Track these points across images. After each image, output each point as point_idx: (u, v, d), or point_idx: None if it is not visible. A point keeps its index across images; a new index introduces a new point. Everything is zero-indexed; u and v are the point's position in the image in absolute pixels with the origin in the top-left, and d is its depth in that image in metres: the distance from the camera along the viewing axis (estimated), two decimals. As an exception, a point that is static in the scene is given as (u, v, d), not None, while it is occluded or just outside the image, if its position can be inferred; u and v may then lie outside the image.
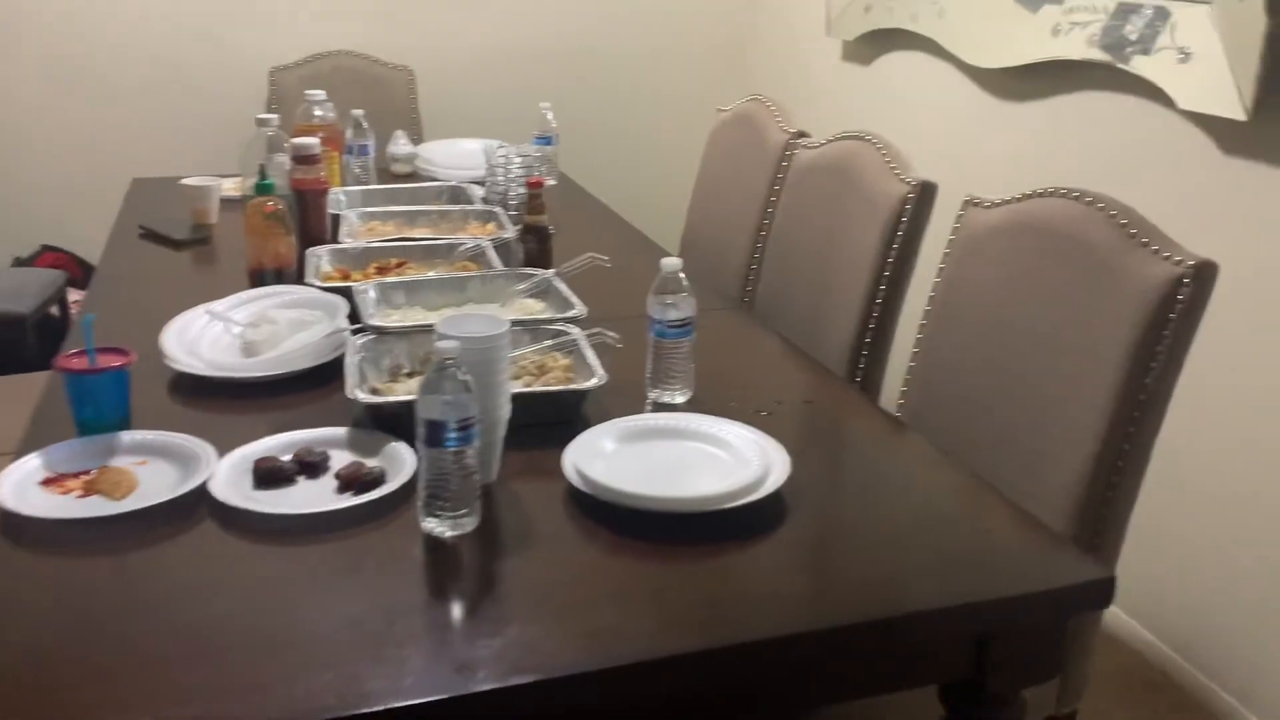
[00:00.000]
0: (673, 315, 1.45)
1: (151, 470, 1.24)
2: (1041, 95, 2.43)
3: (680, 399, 1.49)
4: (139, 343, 1.50)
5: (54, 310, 2.82)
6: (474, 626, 1.02)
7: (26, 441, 1.30)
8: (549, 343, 1.54)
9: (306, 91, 2.47)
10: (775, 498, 1.21)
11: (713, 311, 1.93)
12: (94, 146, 3.15)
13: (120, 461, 1.25)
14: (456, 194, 2.48)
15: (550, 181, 2.75)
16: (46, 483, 1.21)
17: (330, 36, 3.32)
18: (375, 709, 0.89)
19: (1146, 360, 1.38)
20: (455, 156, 2.78)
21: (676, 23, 3.68)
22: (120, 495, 1.19)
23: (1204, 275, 1.37)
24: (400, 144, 2.83)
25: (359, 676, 0.92)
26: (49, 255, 3.05)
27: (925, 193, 1.84)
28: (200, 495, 1.19)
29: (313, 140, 2.02)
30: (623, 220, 2.55)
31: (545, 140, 2.80)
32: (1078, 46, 2.23)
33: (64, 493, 1.19)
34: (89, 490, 1.20)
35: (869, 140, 1.98)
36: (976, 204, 1.69)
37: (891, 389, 1.85)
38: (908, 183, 1.85)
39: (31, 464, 1.23)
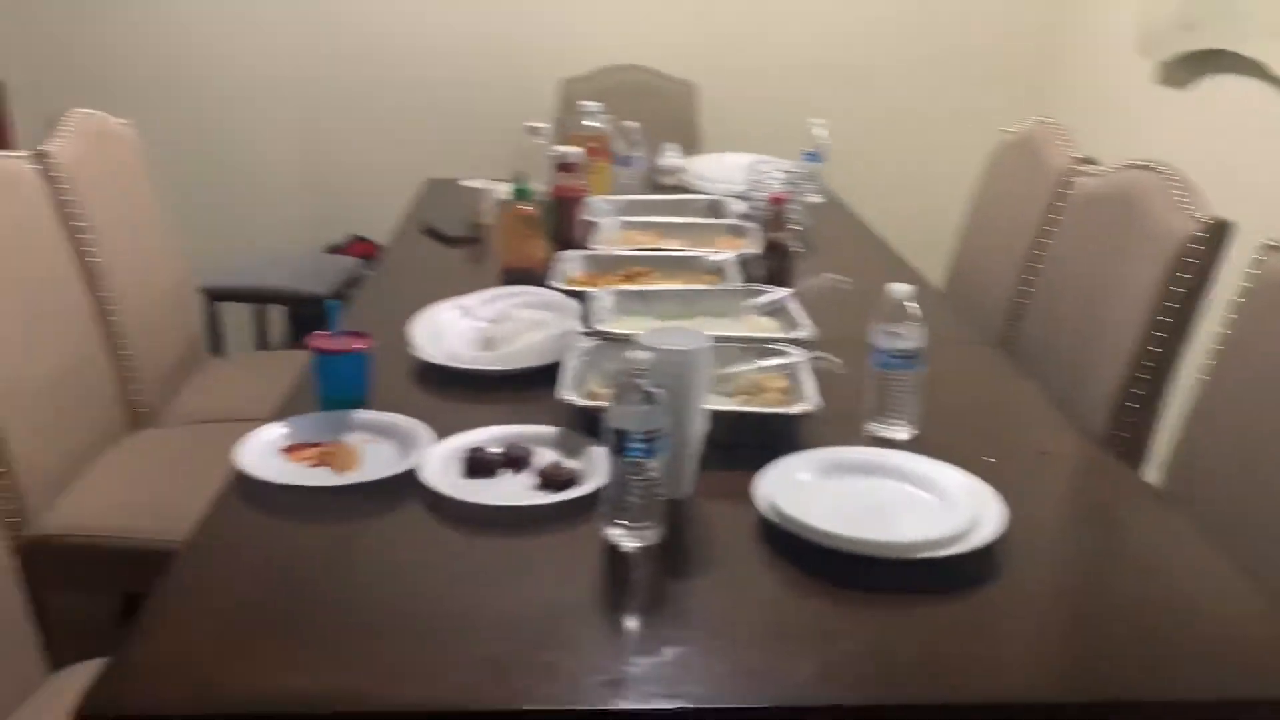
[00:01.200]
0: (897, 345, 1.37)
1: (376, 448, 1.33)
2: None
3: (901, 435, 1.40)
4: (395, 329, 1.62)
5: (352, 293, 3.11)
6: (633, 642, 1.01)
7: (281, 410, 1.43)
8: (769, 362, 1.51)
9: (580, 102, 2.57)
10: (983, 554, 1.11)
11: (964, 346, 1.82)
12: (398, 147, 3.44)
13: (351, 437, 1.35)
14: (717, 208, 2.49)
15: (816, 199, 2.70)
16: (287, 449, 1.33)
17: (620, 51, 3.44)
18: (516, 707, 0.90)
19: None
20: (722, 170, 2.79)
21: (968, 39, 3.51)
22: (344, 469, 1.28)
23: None
24: (669, 156, 2.88)
25: (511, 674, 0.94)
26: (358, 245, 3.37)
27: (1219, 232, 1.63)
28: (412, 477, 1.26)
29: (575, 150, 2.09)
30: (884, 244, 2.46)
31: (813, 157, 2.75)
32: None
33: (299, 460, 1.30)
34: (320, 461, 1.30)
35: (1156, 170, 1.79)
36: (1277, 248, 1.47)
37: (1161, 452, 1.65)
38: (1198, 219, 1.65)
39: (277, 431, 1.36)
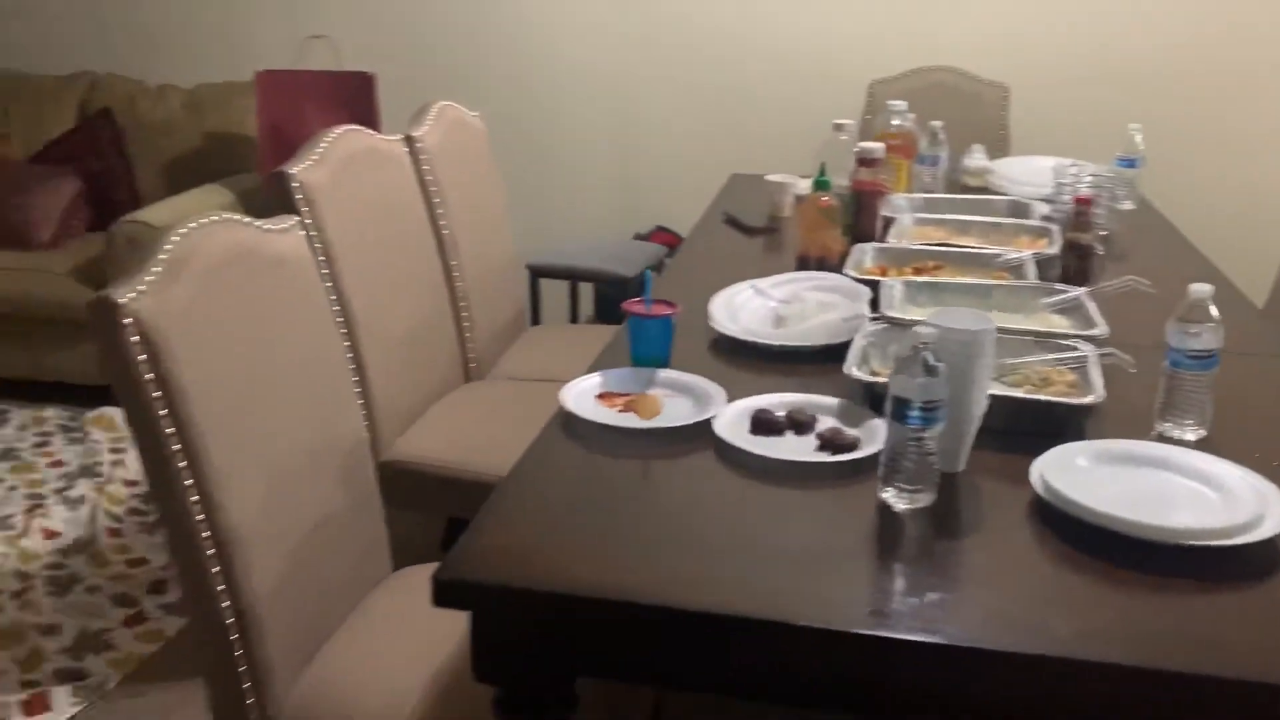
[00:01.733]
0: (1193, 345, 1.36)
1: (674, 403, 1.50)
2: None
3: (1190, 436, 1.39)
4: (695, 306, 1.79)
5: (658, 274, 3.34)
6: (899, 585, 1.10)
7: (595, 365, 1.64)
8: (1057, 356, 1.53)
9: (888, 101, 2.64)
10: (1267, 546, 1.11)
11: (1274, 358, 1.74)
12: (706, 144, 3.63)
13: (654, 391, 1.53)
14: (1018, 209, 2.48)
15: (1128, 205, 2.62)
16: (600, 396, 1.52)
17: (931, 52, 3.45)
18: (790, 622, 1.02)
19: None
20: (1028, 173, 2.76)
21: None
22: (647, 416, 1.45)
23: None
24: (975, 157, 2.87)
25: (786, 596, 1.06)
26: (661, 234, 3.61)
27: None
28: (706, 429, 1.41)
29: (876, 145, 2.18)
30: (1197, 253, 2.35)
31: (1128, 163, 2.66)
32: None
33: (610, 406, 1.49)
34: (627, 408, 1.48)
35: None
36: None
37: None
38: None
39: (593, 380, 1.55)
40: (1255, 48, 3.29)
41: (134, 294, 1.24)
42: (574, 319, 3.46)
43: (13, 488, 2.88)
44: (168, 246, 1.32)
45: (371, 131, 2.23)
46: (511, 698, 1.14)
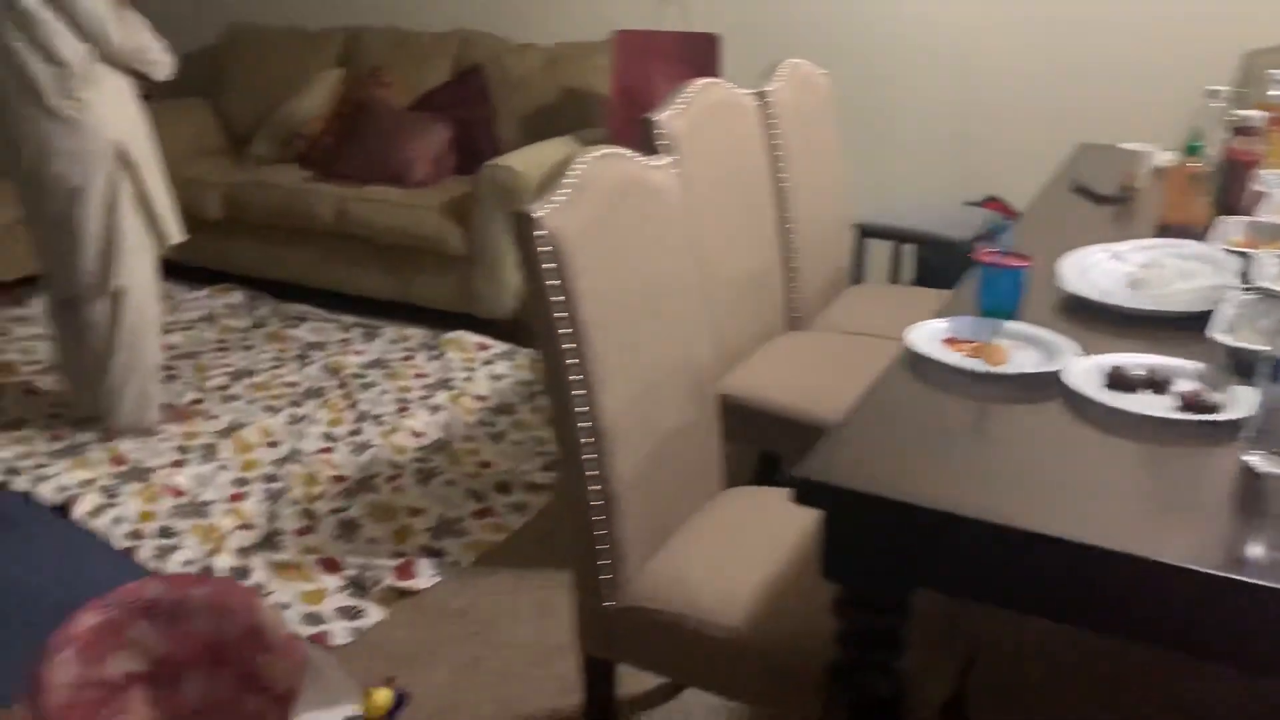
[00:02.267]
0: None
1: (1022, 353, 1.52)
2: None
3: None
4: (1042, 265, 1.78)
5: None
6: (1259, 538, 1.09)
7: (940, 312, 1.68)
8: None
9: (1269, 71, 2.45)
10: None
11: None
12: (1048, 113, 3.50)
13: (1001, 341, 1.55)
14: None
15: None
16: (946, 341, 1.57)
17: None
18: (1153, 558, 1.05)
19: None
20: None
21: None
22: (995, 363, 1.49)
23: None
24: (1367, 135, 2.60)
25: (1147, 535, 1.09)
26: (992, 203, 3.53)
27: None
28: (1055, 380, 1.42)
29: (1256, 114, 2.04)
30: None
31: None
32: None
33: (956, 350, 1.54)
34: (974, 354, 1.52)
35: None
36: None
37: None
38: None
39: (940, 325, 1.60)
40: None
41: (547, 210, 1.43)
42: (894, 280, 3.48)
43: (385, 391, 3.32)
44: (574, 172, 1.50)
45: (730, 85, 2.37)
46: (853, 598, 1.24)
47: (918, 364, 1.51)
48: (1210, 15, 3.29)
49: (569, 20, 4.13)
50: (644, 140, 2.08)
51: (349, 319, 3.91)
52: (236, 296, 4.11)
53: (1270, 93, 2.44)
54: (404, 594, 2.36)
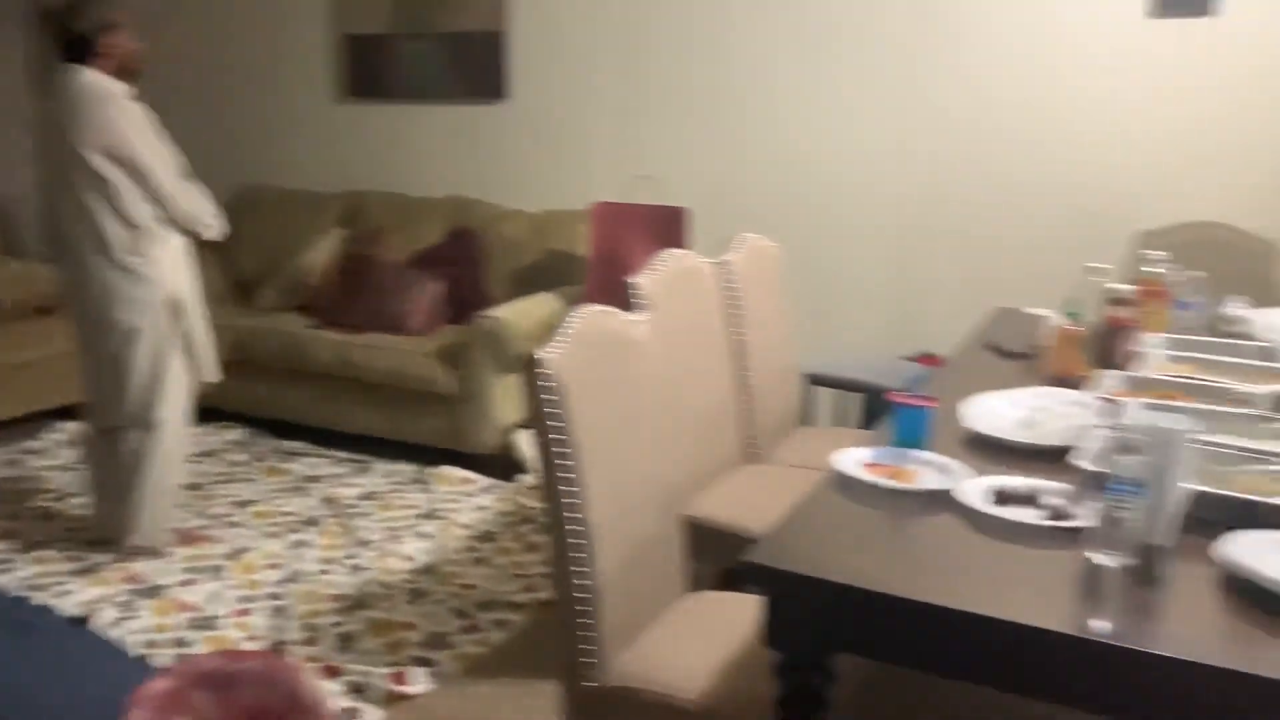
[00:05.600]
0: (1383, 463, 1.60)
1: (927, 475, 1.89)
2: None
3: (1383, 544, 1.61)
4: (952, 409, 2.17)
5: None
6: (1100, 610, 1.44)
7: (863, 442, 2.05)
8: (1268, 468, 1.79)
9: (1147, 251, 2.92)
10: None
11: None
12: (973, 277, 3.99)
13: (911, 466, 1.92)
14: (1268, 354, 2.67)
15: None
16: (867, 465, 1.93)
17: (1196, 209, 3.67)
18: (1021, 621, 1.39)
19: None
20: (1285, 323, 2.93)
21: None
22: (905, 482, 1.85)
23: None
24: (1232, 307, 3.07)
25: (1016, 605, 1.43)
26: (925, 359, 3.97)
27: None
28: (951, 497, 1.79)
29: (1127, 287, 2.49)
30: None
31: (1391, 319, 2.78)
32: None
33: (874, 473, 1.90)
34: (888, 475, 1.89)
35: None
36: None
37: None
38: None
39: (862, 452, 1.97)
40: None
41: (550, 353, 1.81)
42: (842, 423, 3.87)
43: (377, 520, 3.62)
44: (570, 323, 1.89)
45: (693, 254, 2.81)
46: (788, 663, 1.56)
47: (843, 483, 1.88)
48: (1108, 197, 3.83)
49: (555, 191, 4.63)
50: (624, 299, 2.49)
51: (342, 454, 4.22)
52: (237, 433, 4.42)
53: (1144, 269, 2.91)
54: (399, 698, 2.61)
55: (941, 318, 4.00)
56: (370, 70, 5.00)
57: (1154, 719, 1.38)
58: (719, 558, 2.64)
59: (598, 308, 1.99)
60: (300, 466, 4.11)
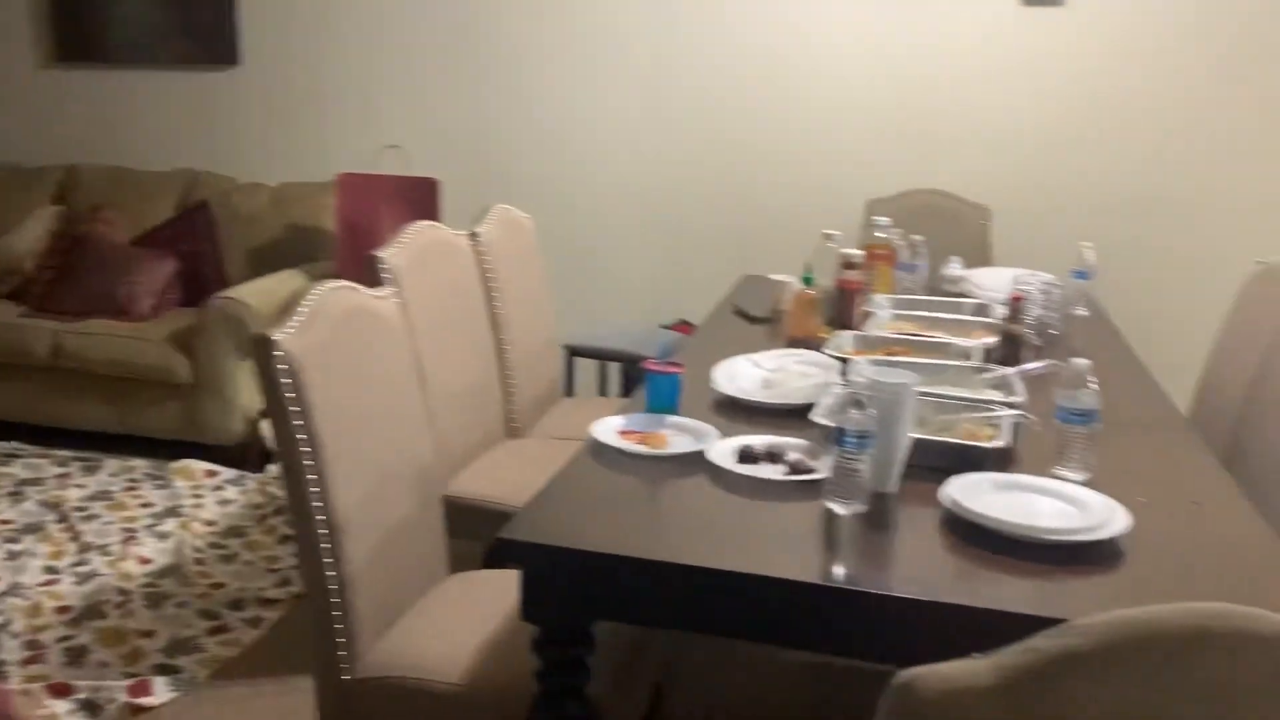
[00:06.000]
0: (1074, 405, 1.78)
1: (679, 439, 1.93)
2: None
3: (1076, 477, 1.79)
4: (703, 375, 2.23)
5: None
6: (834, 557, 1.51)
7: (619, 411, 2.07)
8: (984, 415, 1.95)
9: (875, 217, 3.11)
10: (1105, 545, 1.51)
11: (1168, 431, 2.15)
12: (724, 248, 4.13)
13: (664, 431, 1.96)
14: (982, 310, 2.92)
15: (1081, 312, 3.05)
16: (622, 433, 1.95)
17: (921, 177, 3.96)
18: (766, 574, 1.44)
19: None
20: (997, 281, 3.20)
21: (1262, 175, 3.70)
22: (657, 447, 1.88)
23: None
24: (952, 267, 3.33)
25: (759, 559, 1.48)
26: (682, 326, 4.07)
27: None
28: (701, 458, 1.83)
29: (856, 252, 2.64)
30: (1132, 352, 2.76)
31: (1081, 274, 3.10)
32: None
33: (627, 439, 1.92)
34: (642, 441, 1.91)
35: (1361, 295, 2.05)
36: None
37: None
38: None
39: (616, 421, 1.99)
40: (1204, 177, 3.77)
41: (284, 334, 1.70)
42: (603, 393, 3.91)
43: (109, 522, 3.32)
44: (308, 301, 1.78)
45: (444, 227, 2.73)
46: (547, 636, 1.55)
47: (599, 452, 1.88)
48: (841, 170, 4.05)
49: (294, 162, 4.39)
50: (369, 274, 2.39)
51: (66, 453, 3.85)
52: (-64, 436, 3.94)
53: (877, 234, 3.11)
54: (139, 711, 2.42)
55: (698, 286, 4.11)
56: (81, 31, 4.54)
57: (892, 656, 1.46)
58: (482, 536, 2.60)
59: (339, 283, 1.89)
60: (17, 469, 3.71)
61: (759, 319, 2.95)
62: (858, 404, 1.60)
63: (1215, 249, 3.75)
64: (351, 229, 3.91)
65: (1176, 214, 3.81)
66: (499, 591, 1.99)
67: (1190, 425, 2.25)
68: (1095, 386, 1.79)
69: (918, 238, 3.18)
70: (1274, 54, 3.68)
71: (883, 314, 2.77)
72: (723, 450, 1.86)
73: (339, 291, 1.88)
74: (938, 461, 1.80)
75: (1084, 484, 1.76)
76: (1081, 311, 3.06)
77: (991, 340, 2.47)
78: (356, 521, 1.78)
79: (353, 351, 1.86)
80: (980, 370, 2.22)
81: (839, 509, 1.63)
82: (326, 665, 1.79)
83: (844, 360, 2.29)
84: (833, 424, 1.65)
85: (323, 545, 1.73)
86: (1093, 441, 1.80)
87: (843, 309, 2.62)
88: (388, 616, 1.88)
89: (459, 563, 2.22)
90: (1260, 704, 0.74)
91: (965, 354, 2.38)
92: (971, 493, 1.65)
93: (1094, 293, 3.14)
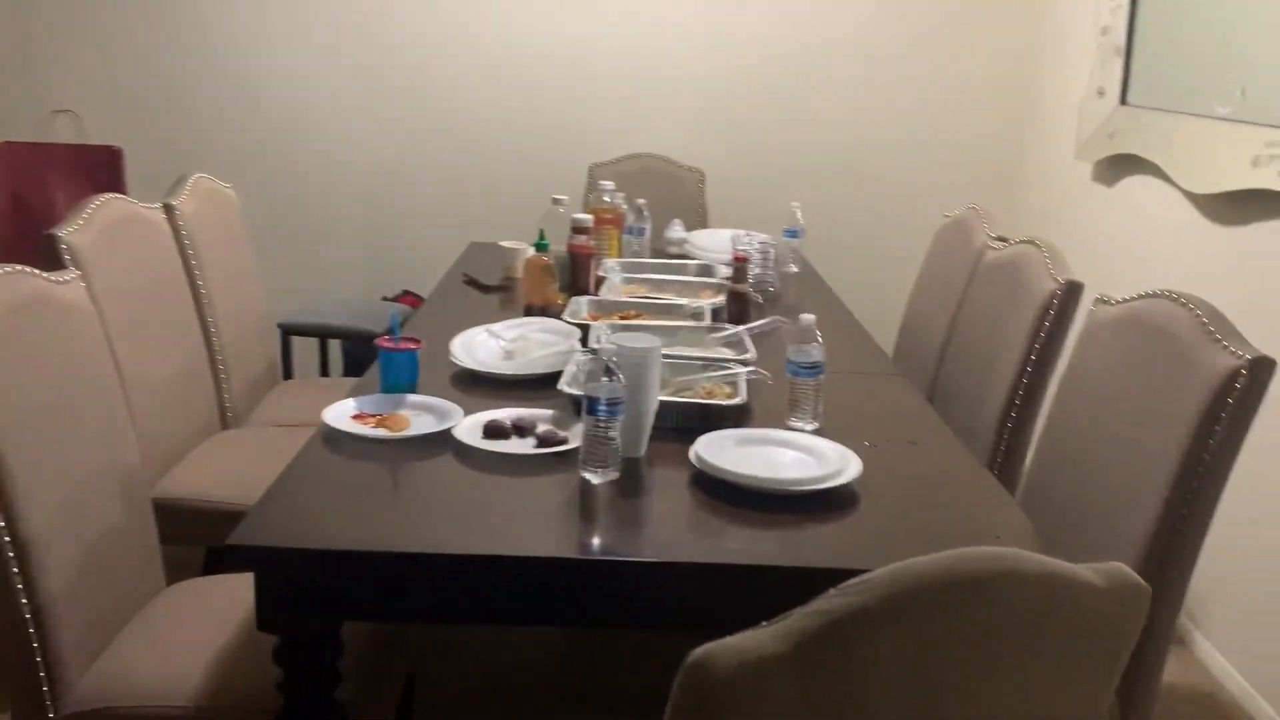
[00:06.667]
0: (804, 359, 1.85)
1: (420, 419, 1.83)
2: (1245, 220, 2.57)
3: (808, 427, 1.88)
4: (439, 349, 2.13)
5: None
6: (591, 529, 1.49)
7: (350, 393, 1.94)
8: (719, 374, 2.00)
9: (600, 181, 3.12)
10: (840, 491, 1.59)
11: (883, 376, 2.30)
12: (447, 216, 4.02)
13: (403, 411, 1.85)
14: (706, 270, 3.00)
15: (793, 269, 3.21)
16: (356, 417, 1.83)
17: (642, 141, 4.01)
18: (518, 554, 1.39)
19: (1206, 438, 1.60)
20: (714, 242, 3.31)
21: (941, 141, 4.06)
22: (398, 429, 1.78)
23: (1260, 368, 1.58)
24: (675, 230, 3.41)
25: (514, 539, 1.43)
26: (407, 297, 3.92)
27: (1072, 290, 2.11)
28: (447, 437, 1.75)
29: (586, 216, 2.63)
30: (843, 304, 2.95)
31: (793, 233, 3.27)
32: (1272, 178, 2.39)
33: (364, 424, 1.80)
34: (379, 425, 1.80)
35: (1037, 245, 2.28)
36: (1104, 301, 1.95)
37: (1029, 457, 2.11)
38: (1059, 281, 2.13)
39: (348, 405, 1.86)
40: (911, 142, 4.09)
41: (-57, 330, 1.45)
42: (325, 374, 3.70)
43: None
44: (-29, 291, 1.53)
45: (132, 200, 2.44)
46: (289, 644, 1.42)
47: (333, 439, 1.75)
48: (563, 135, 4.04)
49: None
50: (47, 255, 2.09)
51: None
52: None
53: (604, 199, 3.11)
54: None
55: (421, 256, 3.96)
56: None
57: (654, 623, 1.47)
58: (201, 539, 2.38)
59: (8, 267, 1.63)
60: None
61: (492, 287, 2.88)
62: (608, 371, 1.58)
63: (908, 205, 4.07)
64: (20, 206, 3.44)
65: (873, 174, 4.10)
66: (225, 598, 1.82)
67: (897, 369, 2.42)
68: (819, 338, 1.87)
69: (641, 201, 3.22)
70: (950, 42, 4.03)
71: (615, 278, 2.78)
72: (468, 427, 1.79)
73: (9, 277, 1.62)
74: (681, 422, 1.82)
75: (816, 433, 1.85)
76: (794, 269, 3.23)
77: (720, 300, 2.54)
78: (52, 537, 1.55)
79: (29, 346, 1.62)
80: (712, 330, 2.27)
81: (593, 478, 1.61)
82: (29, 701, 1.56)
83: (584, 327, 2.27)
84: (582, 393, 1.62)
85: (12, 569, 1.50)
86: (820, 392, 1.89)
87: (577, 274, 2.60)
88: (100, 639, 1.67)
89: (177, 571, 2.02)
90: (1026, 638, 0.79)
91: (697, 314, 2.43)
92: (716, 450, 1.68)
93: (804, 250, 3.32)
